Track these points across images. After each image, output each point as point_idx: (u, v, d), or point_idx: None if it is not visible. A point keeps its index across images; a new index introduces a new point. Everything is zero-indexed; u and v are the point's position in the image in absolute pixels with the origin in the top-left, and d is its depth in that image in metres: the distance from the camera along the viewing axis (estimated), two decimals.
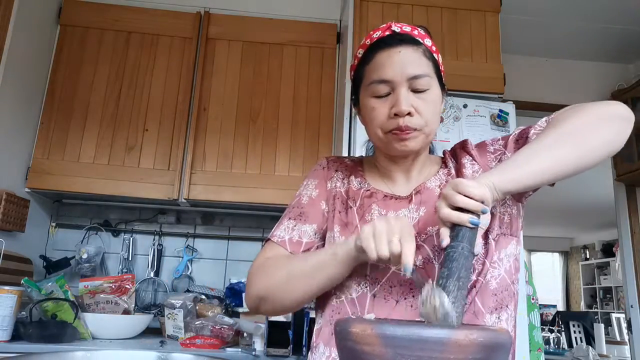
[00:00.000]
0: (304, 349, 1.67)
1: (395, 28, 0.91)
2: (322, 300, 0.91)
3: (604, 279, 8.28)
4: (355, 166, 1.01)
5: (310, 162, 2.21)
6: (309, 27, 2.37)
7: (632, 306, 2.92)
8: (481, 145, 0.98)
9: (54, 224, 2.35)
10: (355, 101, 0.98)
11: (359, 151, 1.87)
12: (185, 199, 2.13)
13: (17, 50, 2.01)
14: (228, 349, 1.77)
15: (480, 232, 0.72)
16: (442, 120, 0.96)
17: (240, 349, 1.77)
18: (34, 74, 2.16)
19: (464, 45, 2.18)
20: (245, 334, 1.81)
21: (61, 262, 2.20)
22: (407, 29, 0.92)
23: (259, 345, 1.70)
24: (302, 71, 2.32)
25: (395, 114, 0.86)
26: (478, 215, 0.70)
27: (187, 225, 2.44)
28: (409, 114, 0.85)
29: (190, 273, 2.36)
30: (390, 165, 0.96)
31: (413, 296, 0.82)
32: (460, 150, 0.98)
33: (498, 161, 0.93)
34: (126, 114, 2.21)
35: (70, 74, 2.23)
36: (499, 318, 0.85)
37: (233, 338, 1.82)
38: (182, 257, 2.37)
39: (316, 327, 0.92)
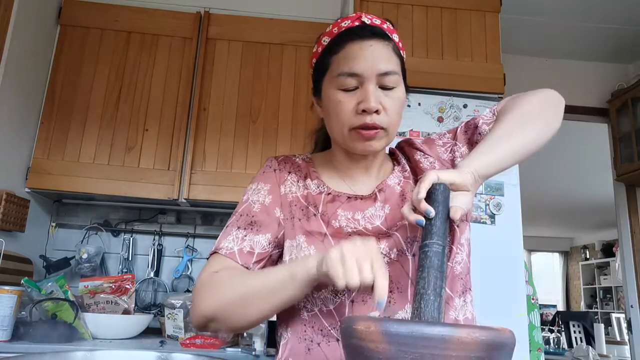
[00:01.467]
0: None
1: (366, 19, 0.89)
2: (286, 313, 0.84)
3: (604, 279, 8.29)
4: (308, 166, 0.95)
5: None
6: (309, 27, 2.37)
7: (632, 306, 2.92)
8: (429, 141, 0.98)
9: (54, 224, 2.35)
10: (316, 91, 0.93)
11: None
12: (185, 199, 2.13)
13: (17, 50, 2.01)
14: (228, 349, 1.77)
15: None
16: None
17: (240, 349, 1.77)
18: (34, 74, 2.16)
19: (464, 45, 2.18)
20: (245, 334, 1.82)
21: (61, 262, 2.20)
22: (377, 21, 0.89)
23: (259, 345, 1.70)
24: (302, 71, 2.32)
25: (364, 110, 0.82)
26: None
27: (187, 225, 2.44)
28: (376, 111, 0.83)
29: (190, 273, 2.37)
30: (349, 163, 0.93)
31: (391, 291, 0.80)
32: (408, 148, 0.98)
33: (450, 152, 0.95)
34: (126, 114, 2.21)
35: (70, 74, 2.23)
36: (464, 301, 0.87)
37: (233, 338, 1.82)
38: (182, 257, 2.37)
39: (282, 341, 0.86)
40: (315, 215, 0.87)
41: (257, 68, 2.30)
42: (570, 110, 3.04)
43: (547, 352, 3.23)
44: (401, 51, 0.90)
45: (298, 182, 0.92)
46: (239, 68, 2.30)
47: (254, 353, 1.69)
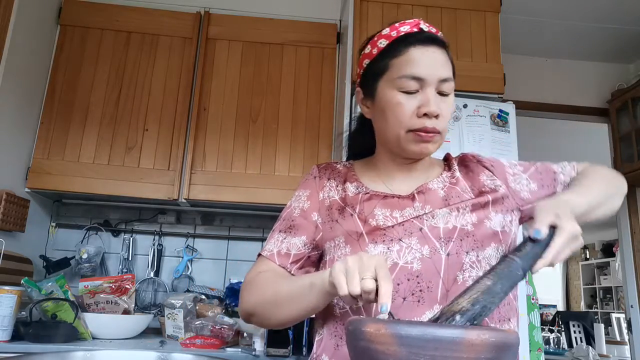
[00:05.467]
0: (304, 349, 1.67)
1: (424, 26, 0.90)
2: (323, 311, 0.87)
3: (604, 279, 8.29)
4: (348, 171, 0.98)
5: (310, 162, 2.21)
6: (309, 27, 2.37)
7: (632, 306, 2.92)
8: (497, 164, 0.99)
9: (54, 224, 2.35)
10: (369, 93, 0.94)
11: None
12: (185, 199, 2.13)
13: (17, 50, 2.01)
14: (228, 349, 1.77)
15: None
16: None
17: (240, 349, 1.77)
18: (34, 74, 2.16)
19: (464, 45, 2.18)
20: (245, 334, 1.82)
21: (61, 262, 2.20)
22: (434, 29, 0.91)
23: (259, 345, 1.70)
24: (302, 71, 2.32)
25: (425, 114, 0.84)
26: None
27: (187, 225, 2.44)
28: (436, 116, 0.85)
29: (190, 273, 2.37)
30: (392, 165, 0.95)
31: (420, 290, 0.81)
32: (475, 163, 0.98)
33: (518, 184, 0.96)
34: (126, 114, 2.21)
35: (70, 74, 2.23)
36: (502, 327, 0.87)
37: (233, 338, 1.82)
38: (182, 257, 2.37)
39: (318, 337, 0.90)
40: (352, 215, 0.89)
41: (257, 68, 2.30)
42: (570, 110, 3.04)
43: (547, 352, 3.23)
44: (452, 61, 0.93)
45: (337, 187, 0.95)
46: (239, 68, 2.30)
47: (254, 353, 1.69)
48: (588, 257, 8.83)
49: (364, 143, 1.04)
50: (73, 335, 1.70)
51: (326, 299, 0.77)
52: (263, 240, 2.42)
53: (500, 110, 2.02)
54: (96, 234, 2.36)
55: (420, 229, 0.85)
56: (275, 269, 0.91)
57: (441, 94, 0.87)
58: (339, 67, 2.32)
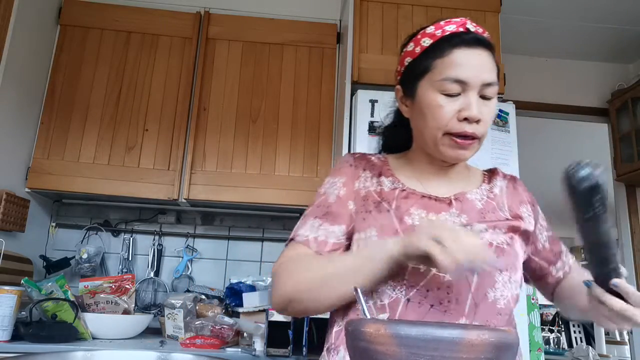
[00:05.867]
0: (304, 349, 1.67)
1: (471, 26, 0.88)
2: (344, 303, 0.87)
3: None
4: (383, 165, 0.96)
5: (310, 162, 2.21)
6: (309, 27, 2.37)
7: None
8: (537, 207, 1.00)
9: (54, 224, 2.35)
10: (409, 92, 0.92)
11: (365, 148, 1.87)
12: (185, 199, 2.13)
13: (17, 50, 2.01)
14: (228, 349, 1.77)
15: None
16: None
17: (240, 349, 1.77)
18: (34, 74, 2.16)
19: None
20: (245, 334, 1.82)
21: (61, 262, 2.20)
22: (480, 29, 0.89)
23: (259, 345, 1.70)
24: (302, 71, 2.32)
25: (465, 118, 0.83)
26: None
27: (187, 225, 2.44)
28: (477, 121, 0.83)
29: (190, 273, 2.37)
30: (427, 165, 0.93)
31: (449, 301, 0.80)
32: (523, 191, 0.99)
33: (539, 233, 0.98)
34: (126, 114, 2.21)
35: (70, 74, 2.23)
36: None
37: (233, 338, 1.82)
38: (182, 257, 2.37)
39: (336, 328, 0.88)
40: (388, 211, 0.87)
41: (257, 68, 2.30)
42: (570, 110, 3.04)
43: (547, 352, 3.23)
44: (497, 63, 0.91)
45: (372, 178, 0.93)
46: (239, 68, 2.30)
47: (254, 353, 1.69)
48: None
49: (397, 139, 1.02)
50: (73, 335, 1.70)
51: (385, 272, 0.76)
52: (263, 240, 2.42)
53: (500, 110, 2.02)
54: (96, 234, 2.36)
55: None
56: (309, 253, 0.86)
57: (484, 97, 0.85)
58: (339, 67, 2.32)
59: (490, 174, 0.99)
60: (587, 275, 0.81)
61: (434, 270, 0.80)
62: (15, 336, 1.64)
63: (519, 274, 0.88)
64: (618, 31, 2.80)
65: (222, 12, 2.37)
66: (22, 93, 2.08)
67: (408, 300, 0.80)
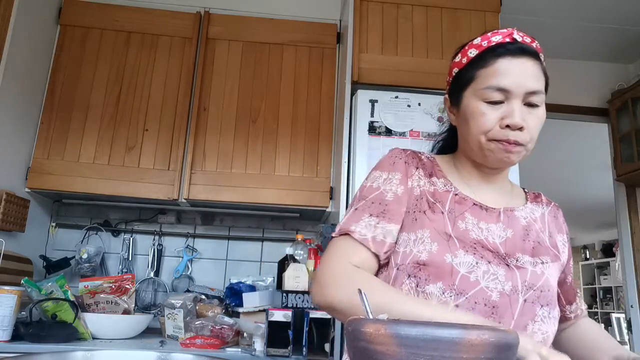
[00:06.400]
0: (304, 349, 1.67)
1: (517, 37, 0.88)
2: None
3: (604, 279, 8.29)
4: (433, 165, 0.95)
5: (310, 162, 2.21)
6: (309, 27, 2.37)
7: (632, 306, 2.92)
8: (569, 241, 1.01)
9: (54, 224, 2.35)
10: (455, 101, 0.93)
11: (365, 147, 1.87)
12: (185, 199, 2.13)
13: (17, 50, 2.01)
14: (228, 349, 1.77)
15: None
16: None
17: (240, 349, 1.77)
18: (34, 74, 2.16)
19: None
20: (245, 334, 1.82)
21: (61, 262, 2.20)
22: (528, 39, 0.89)
23: (259, 345, 1.70)
24: (302, 71, 2.32)
25: (507, 126, 0.83)
26: None
27: (187, 225, 2.44)
28: (520, 128, 0.83)
29: (190, 273, 2.37)
30: (472, 170, 0.94)
31: (493, 319, 0.79)
32: (563, 222, 1.00)
33: (567, 266, 0.99)
34: (126, 114, 2.21)
35: (70, 74, 2.23)
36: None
37: (233, 338, 1.82)
38: (182, 257, 2.37)
39: None
40: (442, 213, 0.87)
41: (257, 68, 2.30)
42: (570, 110, 3.04)
43: None
44: (545, 71, 0.91)
45: (424, 177, 0.92)
46: (239, 68, 2.30)
47: (254, 353, 1.69)
48: (588, 257, 8.84)
49: (447, 148, 1.04)
50: (73, 335, 1.70)
51: None
52: (263, 240, 2.42)
53: None
54: (96, 234, 2.36)
55: (508, 264, 0.84)
56: (367, 259, 0.84)
57: (529, 105, 0.85)
58: (339, 67, 2.32)
59: (534, 196, 1.01)
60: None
61: (482, 284, 0.80)
62: (15, 336, 1.64)
63: (557, 309, 0.88)
64: (618, 31, 2.80)
65: (222, 12, 2.37)
66: (22, 93, 2.08)
67: (456, 306, 0.79)
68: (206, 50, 2.30)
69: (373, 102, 1.93)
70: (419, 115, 1.94)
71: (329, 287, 0.80)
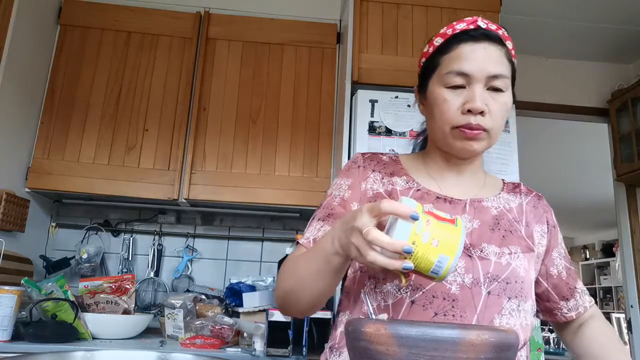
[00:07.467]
0: (304, 349, 1.67)
1: (481, 23, 0.89)
2: (350, 301, 0.87)
3: (604, 279, 8.29)
4: (395, 164, 0.95)
5: (310, 162, 2.21)
6: (309, 27, 2.37)
7: (632, 306, 2.92)
8: (557, 231, 0.98)
9: (54, 224, 2.35)
10: (422, 90, 0.93)
11: (365, 148, 1.87)
12: (185, 199, 2.13)
13: (17, 50, 2.01)
14: (228, 349, 1.77)
15: None
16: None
17: (240, 349, 1.77)
18: (34, 74, 2.16)
19: None
20: (245, 334, 1.82)
21: (61, 262, 2.20)
22: (493, 27, 0.89)
23: (259, 345, 1.70)
24: (302, 71, 2.32)
25: (469, 110, 0.82)
26: None
27: (187, 225, 2.44)
28: (481, 112, 0.82)
29: (190, 273, 2.37)
30: (442, 163, 0.93)
31: (453, 315, 0.78)
32: (545, 212, 0.97)
33: (557, 257, 0.97)
34: (126, 114, 2.21)
35: (70, 74, 2.23)
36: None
37: (233, 338, 1.82)
38: (182, 257, 2.37)
39: (342, 329, 0.87)
40: None
41: (257, 68, 2.30)
42: (570, 110, 3.04)
43: (547, 352, 3.23)
44: (513, 59, 0.90)
45: (382, 179, 0.92)
46: (239, 68, 2.30)
47: (254, 353, 1.69)
48: (588, 257, 8.83)
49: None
50: (73, 335, 1.70)
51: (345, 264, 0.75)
52: (263, 240, 2.42)
53: None
54: (96, 234, 2.36)
55: (470, 255, 0.83)
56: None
57: (492, 89, 0.84)
58: (339, 67, 2.32)
59: (513, 186, 0.98)
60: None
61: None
62: (15, 336, 1.64)
63: (529, 302, 0.86)
64: (618, 31, 2.80)
65: (222, 12, 2.37)
66: (22, 93, 2.08)
67: (412, 302, 0.79)
68: (206, 50, 2.30)
69: (373, 102, 1.93)
70: (419, 115, 1.94)
71: (278, 282, 0.86)
